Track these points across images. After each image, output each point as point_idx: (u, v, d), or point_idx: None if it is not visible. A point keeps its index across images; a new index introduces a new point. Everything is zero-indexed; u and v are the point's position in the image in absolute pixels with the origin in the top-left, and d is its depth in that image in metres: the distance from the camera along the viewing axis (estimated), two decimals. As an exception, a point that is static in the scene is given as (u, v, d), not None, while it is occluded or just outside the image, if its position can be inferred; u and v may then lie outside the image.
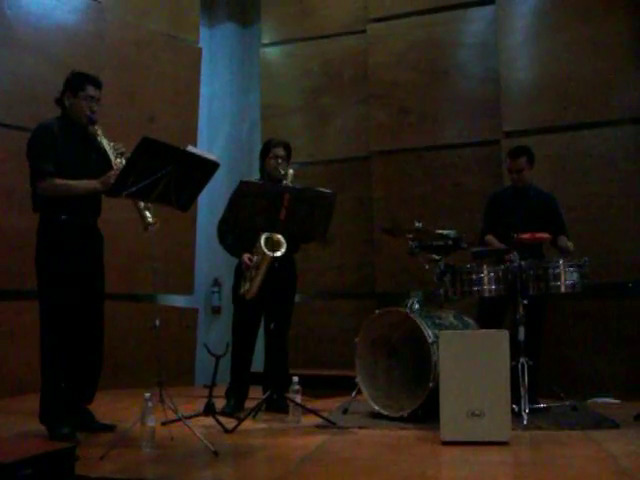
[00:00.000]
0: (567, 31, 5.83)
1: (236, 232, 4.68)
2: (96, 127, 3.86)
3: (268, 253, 4.34)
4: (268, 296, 4.49)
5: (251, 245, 4.54)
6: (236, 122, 7.38)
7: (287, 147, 4.83)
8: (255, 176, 5.03)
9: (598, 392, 5.27)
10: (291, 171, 4.52)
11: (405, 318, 4.38)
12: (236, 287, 4.72)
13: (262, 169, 4.87)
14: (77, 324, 3.83)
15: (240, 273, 4.66)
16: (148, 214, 3.68)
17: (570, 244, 4.67)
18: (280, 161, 4.72)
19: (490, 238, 4.95)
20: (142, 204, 3.68)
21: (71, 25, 5.91)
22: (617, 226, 5.50)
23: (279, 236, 4.37)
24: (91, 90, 3.88)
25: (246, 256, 4.56)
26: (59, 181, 3.72)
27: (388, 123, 6.44)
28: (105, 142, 3.84)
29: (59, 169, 3.73)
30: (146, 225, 3.68)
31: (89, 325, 3.93)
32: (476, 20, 6.27)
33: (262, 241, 4.37)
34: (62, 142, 3.80)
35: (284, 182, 4.41)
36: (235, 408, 4.55)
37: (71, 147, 3.84)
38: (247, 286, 4.50)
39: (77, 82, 3.88)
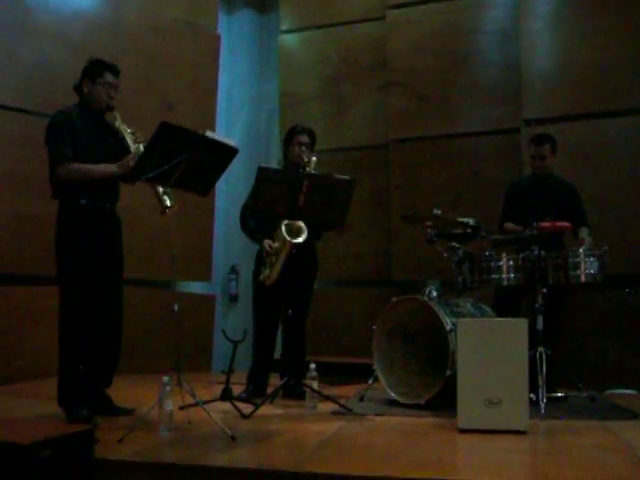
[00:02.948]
0: (589, 18, 5.76)
1: (257, 218, 4.68)
2: (115, 113, 3.90)
3: (288, 239, 4.34)
4: (287, 283, 4.49)
5: (273, 231, 4.54)
6: (254, 109, 7.38)
7: (311, 134, 4.82)
8: (273, 163, 5.02)
9: (616, 383, 5.23)
10: (314, 158, 4.50)
11: (423, 306, 4.37)
12: (256, 273, 4.72)
13: (285, 155, 4.87)
14: (96, 308, 3.87)
15: (261, 259, 4.67)
16: (166, 198, 3.69)
17: (589, 239, 4.61)
18: (304, 148, 4.72)
19: (509, 225, 4.91)
20: (161, 189, 3.69)
21: (90, 12, 5.92)
22: (637, 216, 5.44)
23: (301, 223, 4.36)
24: (109, 77, 3.92)
25: (267, 242, 4.55)
26: (77, 165, 3.76)
27: (407, 111, 6.40)
28: (123, 128, 3.88)
29: (77, 154, 3.77)
30: (164, 208, 3.69)
31: (108, 309, 3.96)
32: (496, 6, 6.22)
33: (283, 227, 4.36)
34: (80, 128, 3.83)
35: (307, 169, 4.39)
36: (253, 394, 4.56)
37: (89, 133, 3.87)
38: (267, 272, 4.50)
39: (95, 69, 3.92)
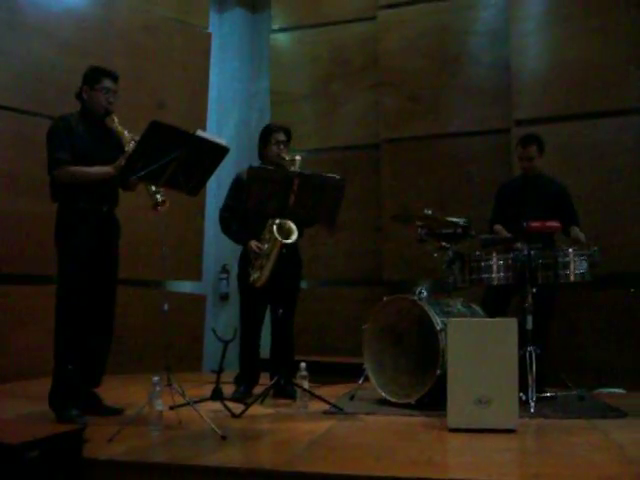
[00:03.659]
0: (578, 19, 5.79)
1: (240, 219, 4.66)
2: (113, 116, 3.95)
3: (282, 240, 4.32)
4: (274, 283, 4.47)
5: (257, 232, 4.52)
6: (245, 108, 7.36)
7: (287, 132, 4.79)
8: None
9: (605, 382, 5.25)
10: (299, 157, 4.46)
11: (413, 305, 4.37)
12: (242, 276, 4.70)
13: (262, 155, 4.82)
14: (90, 309, 3.89)
15: (246, 261, 4.63)
16: (158, 194, 3.71)
17: (582, 235, 4.63)
18: (282, 147, 4.70)
19: (498, 228, 4.92)
20: (152, 187, 3.70)
21: (80, 9, 5.90)
22: (627, 216, 5.47)
23: (290, 223, 4.35)
24: (107, 82, 3.97)
25: (254, 243, 4.53)
26: (73, 168, 3.81)
27: (398, 111, 6.41)
28: (120, 130, 3.92)
29: (77, 159, 3.82)
30: (155, 204, 3.70)
31: (101, 310, 3.98)
32: (487, 7, 6.23)
33: (275, 228, 4.34)
34: (80, 133, 3.89)
35: (292, 168, 4.38)
36: (244, 394, 4.56)
37: (89, 138, 3.93)
38: (257, 274, 4.48)
39: (94, 76, 3.97)
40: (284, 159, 4.56)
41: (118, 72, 4.08)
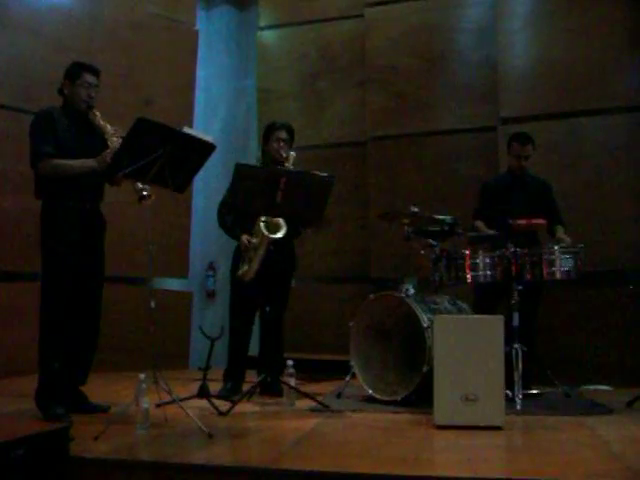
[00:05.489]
0: (565, 18, 5.81)
1: (235, 214, 4.67)
2: (95, 111, 3.92)
3: (267, 234, 4.32)
4: (266, 279, 4.47)
5: (251, 227, 4.53)
6: (232, 105, 7.35)
7: (290, 130, 4.82)
8: (251, 159, 5.01)
9: (591, 379, 5.28)
10: (293, 154, 4.48)
11: (400, 303, 4.38)
12: (234, 270, 4.70)
13: (264, 152, 4.86)
14: (76, 307, 3.87)
15: (238, 256, 4.65)
16: (143, 187, 3.68)
17: (568, 238, 4.64)
18: (282, 144, 4.71)
19: (479, 224, 4.93)
20: (139, 183, 3.68)
21: (67, 6, 5.87)
22: (611, 214, 5.50)
23: (280, 219, 4.35)
24: (88, 77, 3.94)
25: (245, 238, 4.54)
26: (57, 161, 3.77)
27: (385, 108, 6.41)
28: (103, 125, 3.89)
29: (60, 153, 3.78)
30: (140, 197, 3.67)
31: (87, 308, 3.96)
32: (474, 5, 6.24)
33: (261, 223, 4.34)
34: (62, 127, 3.86)
35: (286, 165, 4.38)
36: (231, 391, 4.55)
37: (72, 132, 3.89)
38: (245, 268, 4.48)
39: (75, 71, 3.95)
40: (282, 156, 4.57)
41: (104, 68, 4.06)
